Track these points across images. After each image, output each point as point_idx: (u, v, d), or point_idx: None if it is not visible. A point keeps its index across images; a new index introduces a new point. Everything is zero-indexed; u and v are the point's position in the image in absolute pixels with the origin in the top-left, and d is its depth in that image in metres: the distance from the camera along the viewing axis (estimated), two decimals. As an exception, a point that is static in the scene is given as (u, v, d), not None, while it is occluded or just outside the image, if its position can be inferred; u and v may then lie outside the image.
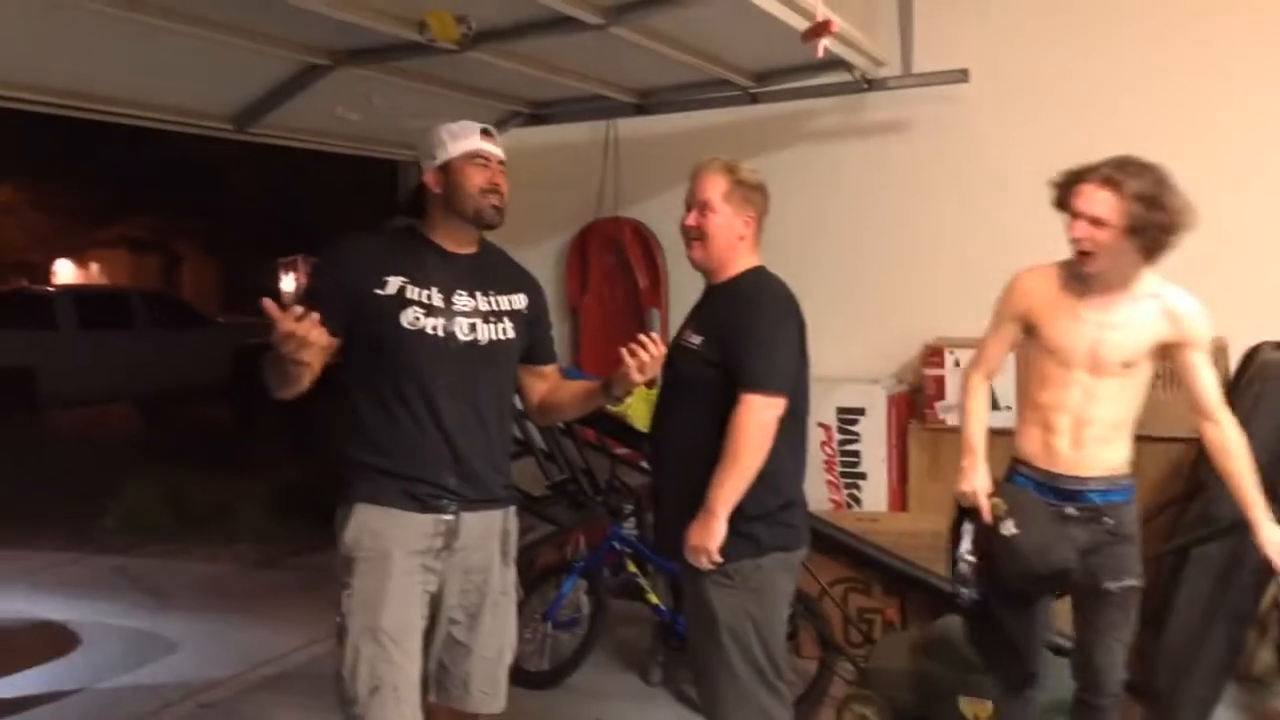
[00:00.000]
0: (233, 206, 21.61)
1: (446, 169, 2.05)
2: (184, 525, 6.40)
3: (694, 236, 2.26)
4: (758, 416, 2.13)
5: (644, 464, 3.16)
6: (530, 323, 2.19)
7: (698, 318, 2.30)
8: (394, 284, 2.01)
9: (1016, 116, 3.87)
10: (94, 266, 22.29)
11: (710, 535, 2.13)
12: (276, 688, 3.79)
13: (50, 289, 13.80)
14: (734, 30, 3.16)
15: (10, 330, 10.72)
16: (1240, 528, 2.83)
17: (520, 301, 2.17)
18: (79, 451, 8.47)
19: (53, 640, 4.36)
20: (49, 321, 11.25)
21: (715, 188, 2.24)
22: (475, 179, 2.04)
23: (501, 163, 2.10)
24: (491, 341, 2.08)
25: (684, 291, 4.03)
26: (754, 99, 3.99)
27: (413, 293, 2.02)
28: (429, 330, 2.01)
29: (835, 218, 4.17)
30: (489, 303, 2.11)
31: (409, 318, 2.00)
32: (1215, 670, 2.95)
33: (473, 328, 2.06)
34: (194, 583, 5.31)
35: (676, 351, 2.24)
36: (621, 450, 3.88)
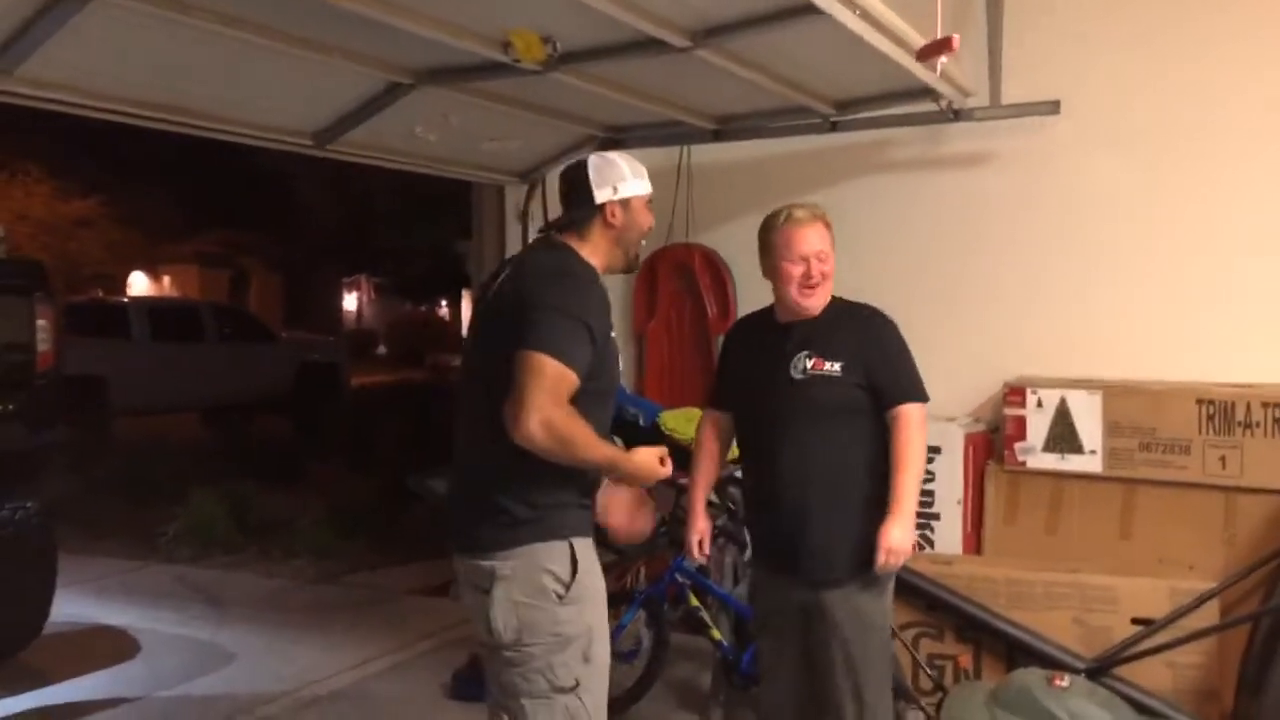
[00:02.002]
0: (299, 225, 22.14)
1: (628, 205, 2.11)
2: (245, 537, 6.47)
3: (818, 284, 2.38)
4: (921, 422, 2.35)
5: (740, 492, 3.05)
6: None
7: (819, 346, 2.37)
8: (613, 331, 2.08)
9: (1105, 151, 3.74)
10: (165, 280, 22.96)
11: (910, 536, 2.29)
12: (328, 706, 3.77)
13: (124, 300, 14.18)
14: (821, 55, 3.10)
15: (84, 339, 11.03)
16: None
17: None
18: (147, 460, 8.62)
19: (114, 646, 4.41)
20: (122, 331, 11.56)
21: (826, 237, 2.40)
22: (648, 223, 2.15)
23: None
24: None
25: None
26: (834, 127, 3.91)
27: (613, 334, 2.10)
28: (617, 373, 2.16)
29: (912, 250, 4.06)
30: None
31: (617, 361, 2.14)
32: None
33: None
34: (253, 595, 5.34)
35: (809, 382, 2.34)
36: (686, 480, 3.79)
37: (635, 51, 2.91)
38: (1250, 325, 3.53)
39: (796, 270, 2.36)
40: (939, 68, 2.88)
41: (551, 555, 1.98)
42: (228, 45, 2.76)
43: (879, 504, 2.31)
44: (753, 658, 3.36)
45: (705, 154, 4.36)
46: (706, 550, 2.56)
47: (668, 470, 2.03)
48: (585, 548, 2.02)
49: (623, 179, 2.10)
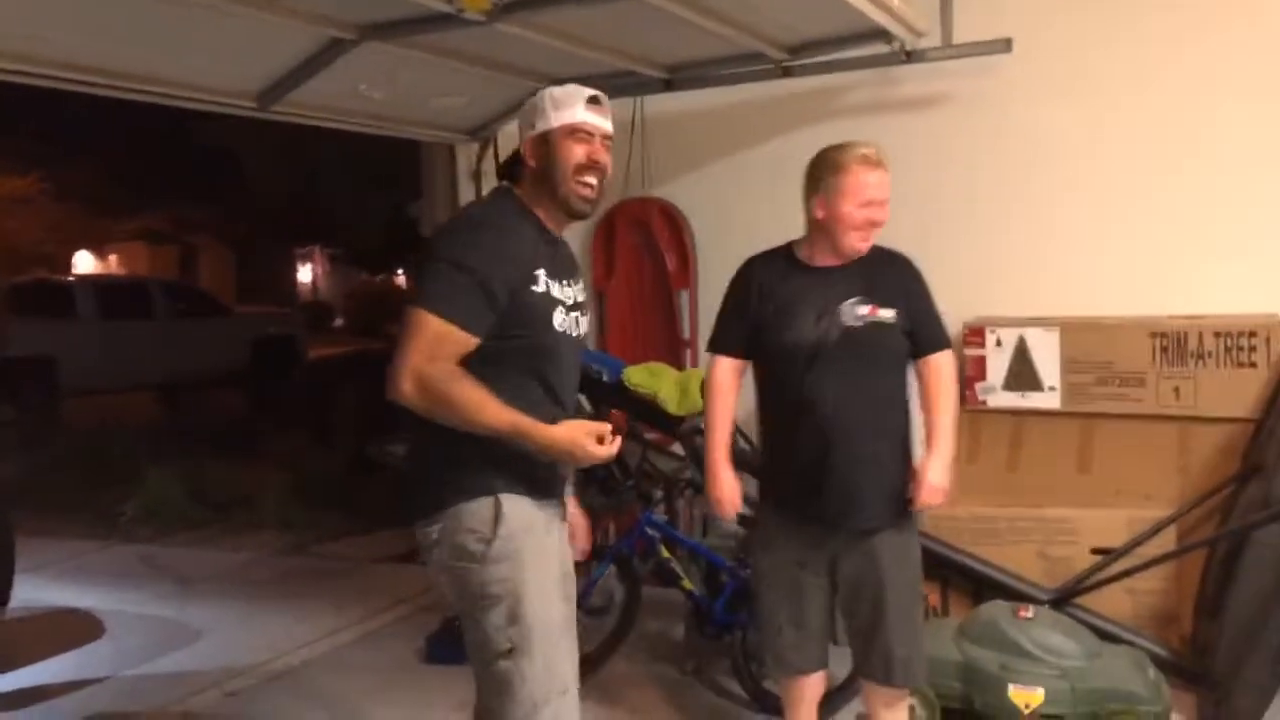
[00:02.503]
0: (248, 198, 21.65)
1: (545, 140, 1.92)
2: (207, 513, 6.39)
3: (875, 227, 2.34)
4: (954, 367, 2.41)
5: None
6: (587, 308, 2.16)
7: (874, 293, 2.32)
8: (542, 281, 1.90)
9: (1058, 90, 3.75)
10: (112, 258, 22.39)
11: (948, 475, 2.32)
12: (301, 676, 3.75)
13: (70, 279, 13.82)
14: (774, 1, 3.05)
15: (31, 319, 10.74)
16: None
17: (583, 292, 2.08)
18: (100, 439, 8.46)
19: (79, 627, 4.34)
20: (70, 311, 11.28)
21: (888, 183, 2.34)
22: (573, 154, 1.90)
23: (607, 138, 1.96)
24: (579, 337, 2.02)
25: (713, 273, 3.93)
26: (786, 72, 3.87)
27: (555, 289, 1.92)
28: (570, 331, 1.97)
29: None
30: (575, 294, 2.00)
31: (558, 320, 1.93)
32: (1274, 659, 2.84)
33: (576, 323, 1.99)
34: (219, 571, 5.28)
35: (864, 329, 2.29)
36: (652, 435, 3.79)
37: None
38: (1200, 258, 3.58)
39: (860, 215, 2.28)
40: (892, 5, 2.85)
41: (474, 514, 1.88)
42: (165, 5, 2.64)
43: (909, 447, 2.37)
44: (725, 605, 3.39)
45: (658, 104, 4.30)
46: (739, 506, 2.47)
47: (605, 451, 1.83)
48: (515, 503, 1.89)
49: (541, 113, 1.93)
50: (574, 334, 1.98)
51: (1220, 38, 3.56)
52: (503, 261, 1.84)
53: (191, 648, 4.13)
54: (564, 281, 1.97)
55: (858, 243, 2.31)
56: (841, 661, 2.76)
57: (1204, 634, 3.04)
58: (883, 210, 2.31)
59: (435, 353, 1.79)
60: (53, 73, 2.96)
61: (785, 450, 2.41)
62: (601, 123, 1.93)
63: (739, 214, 4.20)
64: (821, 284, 2.33)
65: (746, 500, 2.57)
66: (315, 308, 24.34)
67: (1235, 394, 3.32)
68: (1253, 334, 3.31)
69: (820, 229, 2.33)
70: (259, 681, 3.71)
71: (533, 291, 1.88)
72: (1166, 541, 3.24)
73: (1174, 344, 3.41)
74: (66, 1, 2.65)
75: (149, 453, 7.50)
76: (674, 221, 4.42)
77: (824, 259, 2.35)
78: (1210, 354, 3.38)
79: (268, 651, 3.96)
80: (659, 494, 3.81)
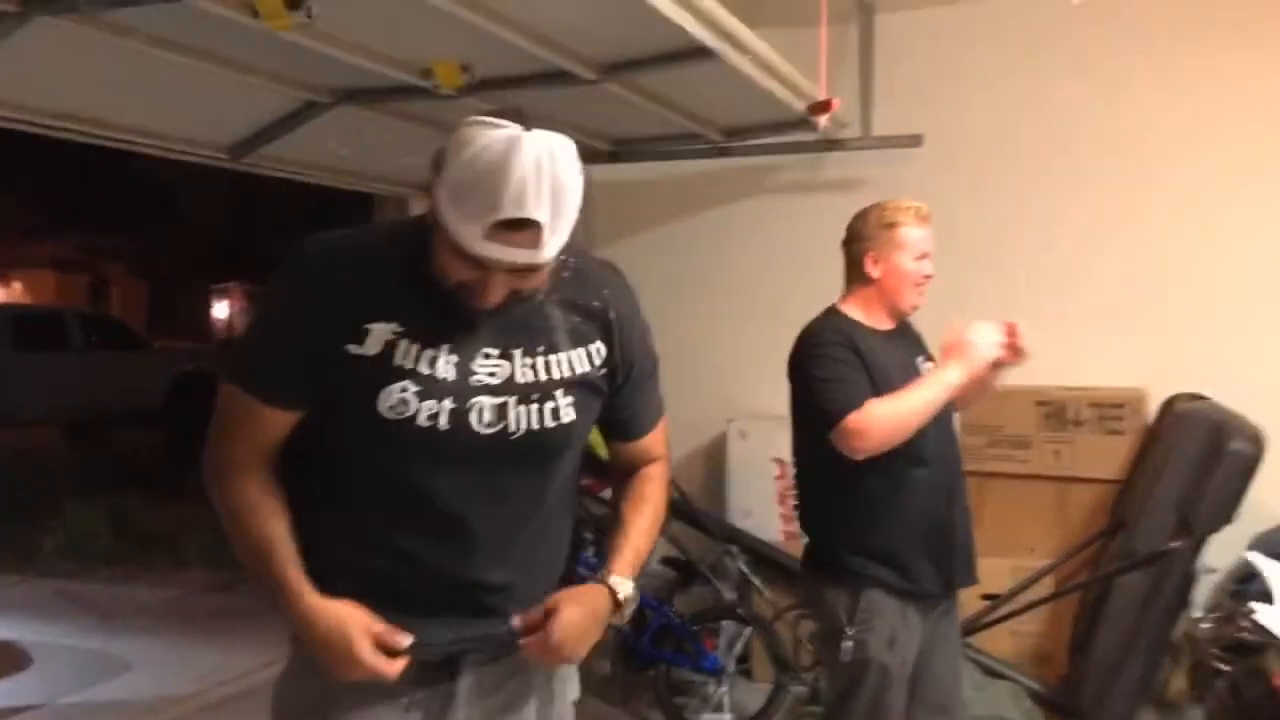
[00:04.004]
0: (170, 231, 21.28)
1: (435, 213, 1.23)
2: (129, 549, 6.34)
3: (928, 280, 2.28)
4: None
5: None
6: (602, 388, 1.44)
7: (921, 350, 2.32)
8: (378, 339, 1.28)
9: (966, 180, 4.18)
10: (16, 285, 21.69)
11: None
12: (236, 707, 3.83)
13: (-21, 307, 13.40)
14: (714, 90, 3.42)
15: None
16: (1158, 560, 3.14)
17: (588, 359, 1.40)
18: (16, 472, 8.28)
19: (5, 658, 4.33)
20: (-22, 340, 10.98)
21: None
22: (455, 269, 1.25)
23: (531, 268, 1.24)
24: (530, 433, 1.35)
25: (656, 333, 4.23)
26: (723, 152, 4.26)
27: (415, 356, 1.29)
28: (419, 419, 1.29)
29: (797, 266, 4.43)
30: (530, 368, 1.35)
31: (392, 399, 1.28)
32: (1133, 693, 3.23)
33: (499, 410, 1.33)
34: (143, 606, 5.28)
35: None
36: (584, 480, 4.04)
37: (547, 82, 3.16)
38: (1080, 337, 4.03)
39: (920, 270, 2.22)
40: (821, 124, 3.24)
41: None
42: (156, 64, 2.86)
43: None
44: (651, 640, 3.65)
45: (604, 173, 4.65)
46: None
47: (384, 667, 1.28)
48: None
49: (438, 175, 1.23)
50: (479, 428, 1.31)
51: (1102, 138, 4.05)
52: (317, 302, 1.28)
53: (122, 679, 4.17)
54: (466, 350, 1.31)
55: (918, 299, 2.25)
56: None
57: (1075, 671, 3.41)
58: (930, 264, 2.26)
59: (227, 433, 1.33)
60: (50, 123, 3.13)
61: (900, 513, 2.15)
62: (518, 255, 1.21)
63: (681, 278, 4.54)
64: (900, 346, 2.25)
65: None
66: (231, 344, 23.89)
67: (1106, 457, 3.75)
68: (1121, 405, 3.76)
69: (877, 286, 2.24)
70: (193, 711, 3.79)
71: (348, 353, 1.26)
72: (1046, 588, 3.62)
73: (1055, 412, 3.84)
74: (75, 62, 2.83)
75: (67, 487, 7.39)
76: (613, 281, 4.73)
77: (886, 321, 2.26)
78: (1086, 421, 3.82)
79: (203, 682, 4.04)
80: (590, 537, 4.06)
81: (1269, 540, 3.12)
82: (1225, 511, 3.13)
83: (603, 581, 1.40)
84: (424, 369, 1.29)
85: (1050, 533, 3.78)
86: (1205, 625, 3.01)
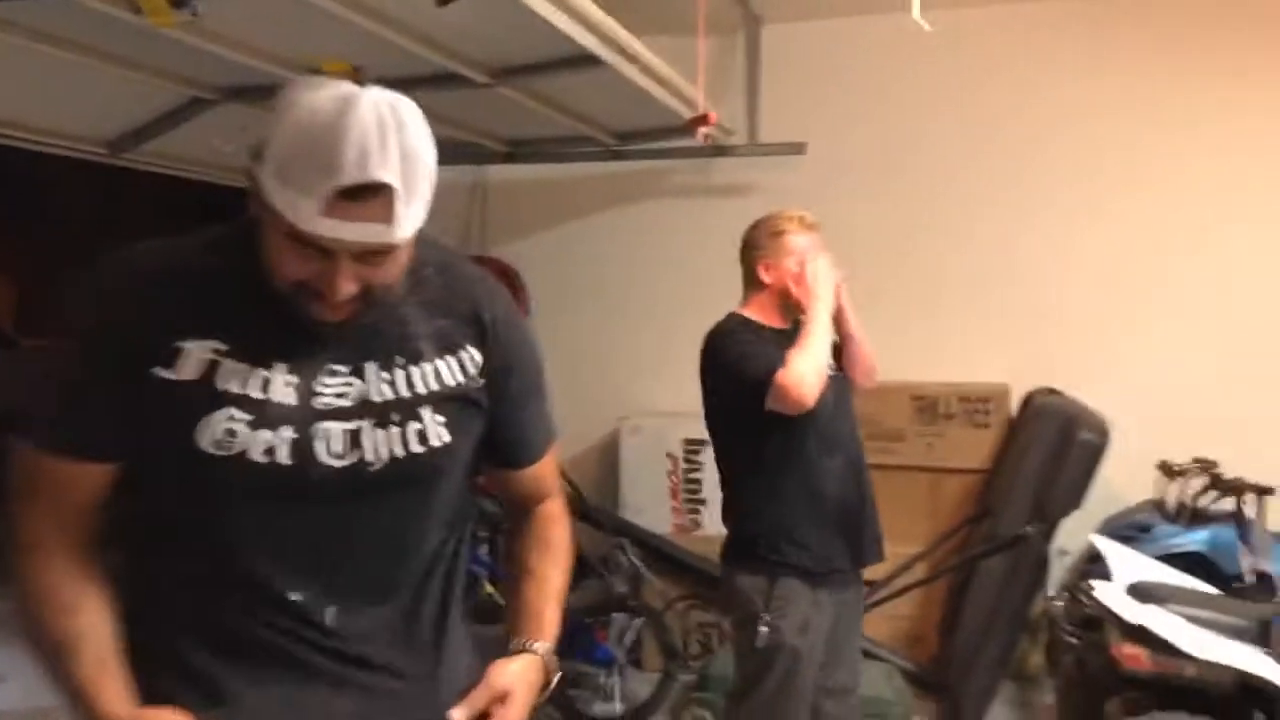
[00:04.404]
0: (36, 225, 20.16)
1: (258, 195, 1.03)
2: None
3: None
4: None
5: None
6: (481, 401, 1.20)
7: None
8: (193, 360, 1.07)
9: (847, 186, 4.39)
10: None
11: None
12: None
13: None
14: (604, 95, 3.51)
15: None
16: (1016, 543, 3.37)
17: (460, 368, 1.18)
18: None
19: None
20: None
21: None
22: (285, 266, 1.04)
23: (383, 250, 1.03)
24: (393, 461, 1.13)
25: (550, 331, 4.30)
26: (615, 155, 4.36)
27: (229, 376, 1.07)
28: (253, 453, 1.07)
29: (687, 266, 4.57)
30: (389, 383, 1.13)
31: (217, 429, 1.06)
32: (994, 667, 3.46)
33: (353, 437, 1.11)
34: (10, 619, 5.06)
35: (835, 380, 2.34)
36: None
37: (439, 84, 3.19)
38: (952, 334, 4.29)
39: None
40: (702, 136, 3.38)
41: None
42: (31, 57, 2.78)
43: None
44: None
45: (500, 172, 4.69)
46: None
47: None
48: None
49: (266, 150, 1.02)
50: (327, 460, 1.09)
51: (969, 147, 4.31)
52: (116, 324, 1.07)
53: (-4, 691, 4.01)
54: (307, 368, 1.09)
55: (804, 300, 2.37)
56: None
57: (943, 650, 3.64)
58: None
59: (23, 506, 1.09)
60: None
61: (816, 499, 2.31)
62: (367, 231, 1.00)
63: (575, 277, 4.62)
64: (793, 342, 2.33)
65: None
66: (21, 401, 22.60)
67: (974, 449, 4.00)
68: (987, 400, 4.02)
69: (768, 291, 2.41)
70: (73, 720, 3.68)
71: (156, 378, 1.05)
72: (918, 574, 3.84)
73: (928, 406, 4.08)
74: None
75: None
76: (510, 281, 4.77)
77: (783, 321, 2.40)
78: (956, 415, 4.06)
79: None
80: (484, 533, 4.10)
81: (1113, 524, 3.39)
82: (1075, 497, 3.39)
83: (531, 651, 1.20)
84: (255, 393, 1.06)
85: (922, 521, 4.01)
86: (1058, 603, 3.25)
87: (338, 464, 1.10)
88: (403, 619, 1.17)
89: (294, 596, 1.10)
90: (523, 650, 1.20)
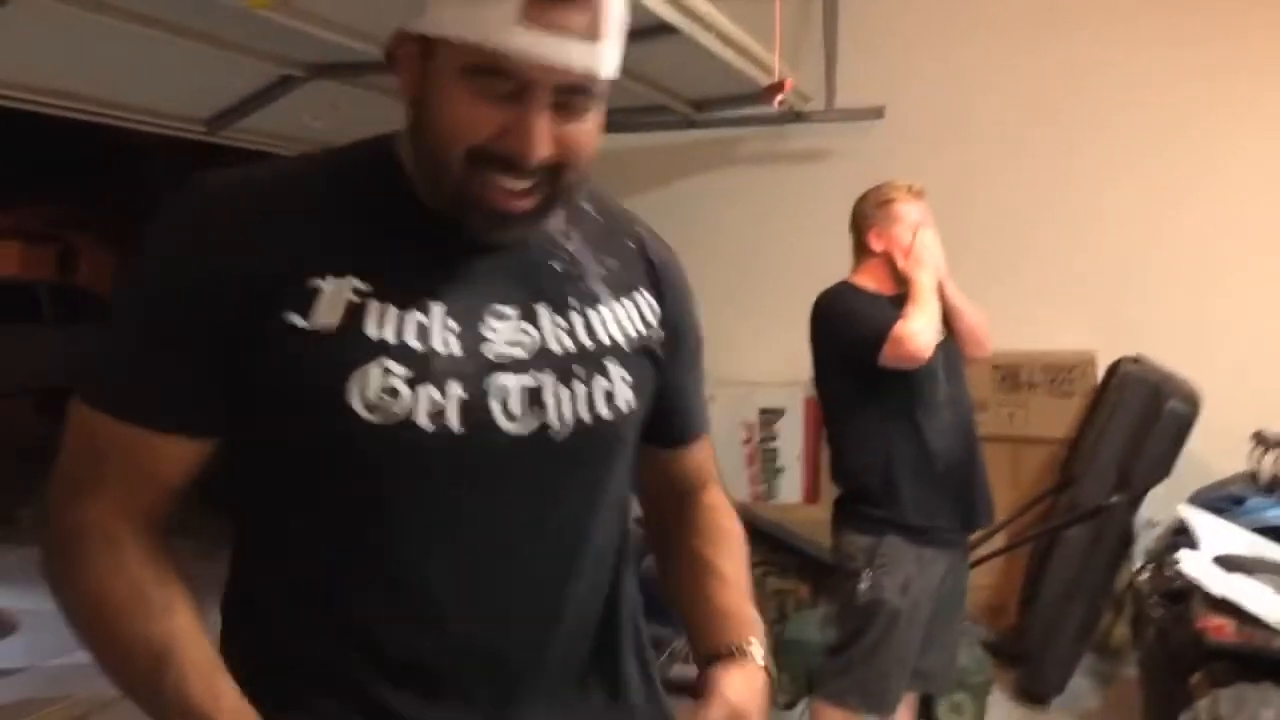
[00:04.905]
0: (142, 198, 21.00)
1: (425, 56, 0.83)
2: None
3: None
4: None
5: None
6: (660, 357, 1.00)
7: None
8: (334, 297, 0.84)
9: (926, 150, 4.31)
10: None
11: None
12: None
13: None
14: (682, 64, 3.52)
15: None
16: (1099, 514, 3.32)
17: (639, 315, 0.98)
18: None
19: (-10, 622, 4.42)
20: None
21: None
22: (463, 121, 0.82)
23: (579, 88, 0.83)
24: (580, 428, 0.90)
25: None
26: (692, 124, 4.36)
27: (379, 320, 0.84)
28: (419, 417, 0.83)
29: (764, 235, 4.57)
30: (567, 330, 0.92)
31: (372, 386, 0.82)
32: (1075, 640, 3.42)
33: (533, 396, 0.88)
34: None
35: (944, 344, 2.36)
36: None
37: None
38: (1035, 301, 4.20)
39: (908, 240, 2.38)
40: (777, 103, 3.37)
41: None
42: (133, 39, 2.92)
43: None
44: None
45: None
46: None
47: None
48: None
49: None
50: (507, 425, 0.86)
51: (1054, 111, 4.20)
52: (228, 255, 0.83)
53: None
54: (468, 309, 0.87)
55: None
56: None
57: (1023, 621, 3.60)
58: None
59: (82, 485, 0.85)
60: (32, 97, 3.19)
61: (923, 457, 2.29)
62: (570, 52, 0.80)
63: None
64: (900, 308, 2.34)
65: None
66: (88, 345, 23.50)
67: (1057, 418, 3.93)
68: (1071, 368, 3.94)
69: (877, 260, 2.43)
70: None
71: (288, 327, 0.82)
72: (999, 543, 3.80)
73: (1010, 375, 4.01)
74: (54, 38, 2.89)
75: (40, 459, 7.42)
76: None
77: (894, 288, 2.39)
78: (1039, 384, 3.99)
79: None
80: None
81: (1204, 495, 3.30)
82: (1162, 467, 3.31)
83: (750, 656, 0.96)
84: (412, 341, 0.83)
85: (1004, 491, 3.91)
86: (1144, 576, 3.19)
87: (517, 430, 0.86)
88: (576, 641, 0.94)
89: (456, 610, 0.86)
90: (739, 653, 0.95)
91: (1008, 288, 4.24)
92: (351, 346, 0.83)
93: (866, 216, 2.49)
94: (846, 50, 4.29)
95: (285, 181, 0.89)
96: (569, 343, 0.91)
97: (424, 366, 0.83)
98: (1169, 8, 4.00)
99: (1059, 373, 3.95)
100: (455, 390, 0.84)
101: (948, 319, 2.43)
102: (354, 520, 0.86)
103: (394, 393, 0.82)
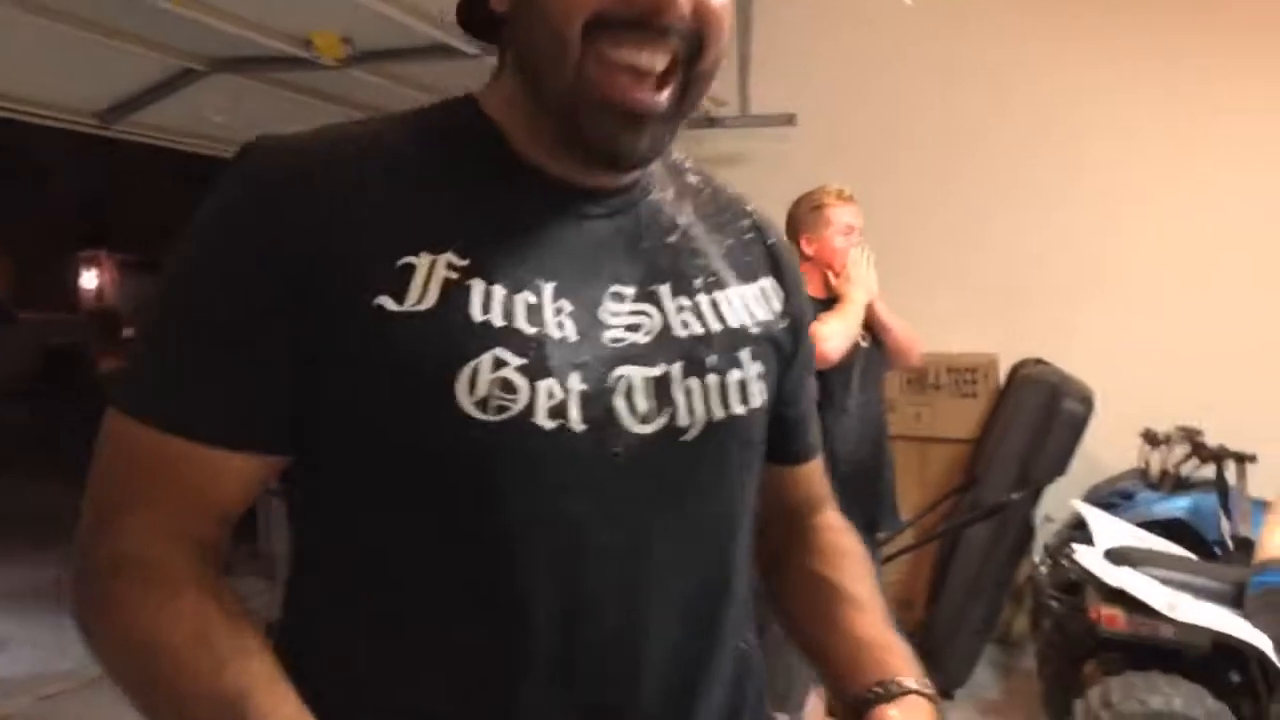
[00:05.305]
0: (31, 197, 20.05)
1: None
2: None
3: None
4: None
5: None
6: (787, 353, 0.88)
7: None
8: (431, 275, 0.70)
9: (838, 156, 4.40)
10: None
11: None
12: (113, 686, 3.79)
13: None
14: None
15: None
16: (1000, 510, 3.43)
17: (765, 301, 0.86)
18: None
19: None
20: None
21: None
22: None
23: None
24: (711, 426, 0.77)
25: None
26: (606, 127, 4.36)
27: (484, 301, 0.71)
28: (537, 414, 0.70)
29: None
30: (694, 312, 0.79)
31: (483, 379, 0.69)
32: (977, 632, 3.53)
33: (659, 389, 0.74)
34: (20, 586, 5.12)
35: (866, 352, 2.51)
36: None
37: (430, 55, 3.20)
38: (939, 305, 4.32)
39: (849, 244, 2.54)
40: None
41: None
42: (22, 28, 2.78)
43: None
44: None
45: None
46: None
47: None
48: None
49: None
50: (632, 425, 0.73)
51: (962, 118, 4.33)
52: (303, 228, 0.70)
53: (-2, 657, 4.07)
54: (583, 287, 0.75)
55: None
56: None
57: (930, 616, 3.70)
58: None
59: (123, 507, 0.71)
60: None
61: (830, 462, 2.35)
62: None
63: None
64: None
65: None
66: (101, 315, 22.70)
67: (962, 419, 4.05)
68: (974, 370, 4.06)
69: (812, 265, 2.50)
70: (76, 686, 3.74)
71: (380, 311, 0.69)
72: (907, 541, 3.90)
73: (918, 377, 4.12)
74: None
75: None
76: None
77: (820, 293, 2.49)
78: (944, 386, 4.11)
79: (78, 662, 3.97)
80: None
81: (1098, 491, 3.45)
82: (1059, 465, 3.44)
83: (922, 693, 0.79)
84: (524, 325, 0.70)
85: (913, 490, 4.06)
86: (1042, 569, 3.32)
87: (644, 430, 0.72)
88: (710, 672, 0.78)
89: (590, 648, 0.71)
90: (897, 688, 0.78)
91: (915, 292, 4.33)
92: (457, 332, 0.69)
93: (799, 221, 2.57)
94: (760, 57, 4.35)
95: (366, 144, 0.75)
96: (696, 326, 0.77)
97: (539, 354, 0.70)
98: (1070, 19, 4.16)
99: (963, 374, 4.07)
100: (576, 383, 0.71)
101: (877, 334, 2.54)
102: (459, 541, 0.70)
103: (509, 386, 0.68)
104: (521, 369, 0.69)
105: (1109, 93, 4.12)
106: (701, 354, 0.76)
